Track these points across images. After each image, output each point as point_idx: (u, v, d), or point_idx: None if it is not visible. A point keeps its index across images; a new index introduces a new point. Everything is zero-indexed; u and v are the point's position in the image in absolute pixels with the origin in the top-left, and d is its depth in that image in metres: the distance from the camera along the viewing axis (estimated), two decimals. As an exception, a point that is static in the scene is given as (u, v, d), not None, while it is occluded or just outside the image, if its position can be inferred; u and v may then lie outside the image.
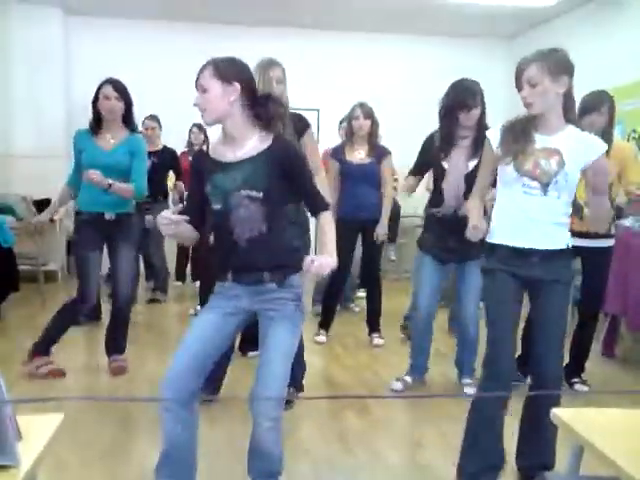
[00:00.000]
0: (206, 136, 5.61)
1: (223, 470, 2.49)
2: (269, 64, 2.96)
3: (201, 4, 6.40)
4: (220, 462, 2.55)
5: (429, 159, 3.40)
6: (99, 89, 3.50)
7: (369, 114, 4.25)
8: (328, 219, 2.11)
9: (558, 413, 1.76)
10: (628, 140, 5.45)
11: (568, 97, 2.24)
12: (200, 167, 2.10)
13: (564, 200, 2.26)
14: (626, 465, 1.41)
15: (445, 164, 3.29)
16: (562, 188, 2.22)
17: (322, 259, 1.96)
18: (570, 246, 2.31)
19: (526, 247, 2.26)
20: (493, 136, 2.34)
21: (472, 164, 3.18)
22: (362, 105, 4.27)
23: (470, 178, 2.96)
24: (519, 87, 2.27)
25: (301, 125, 3.09)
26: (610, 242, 3.47)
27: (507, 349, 2.29)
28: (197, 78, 1.98)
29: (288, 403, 3.10)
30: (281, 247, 2.06)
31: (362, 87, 7.03)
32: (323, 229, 2.10)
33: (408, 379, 3.50)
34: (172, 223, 1.92)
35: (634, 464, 1.41)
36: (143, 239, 5.09)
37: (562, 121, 2.25)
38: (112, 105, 3.47)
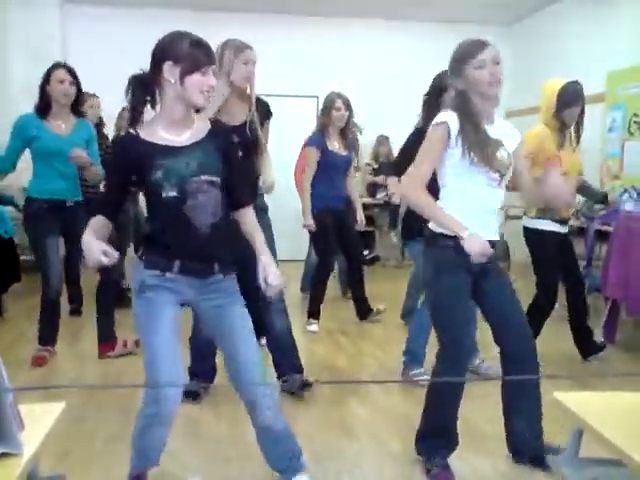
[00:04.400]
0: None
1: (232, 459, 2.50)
2: (243, 46, 2.89)
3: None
4: (227, 450, 2.56)
5: None
6: (50, 72, 3.42)
7: (348, 105, 4.26)
8: (253, 216, 2.09)
9: (558, 396, 1.76)
10: (629, 125, 5.42)
11: None
12: (133, 153, 1.91)
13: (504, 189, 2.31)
14: (626, 447, 1.42)
15: None
16: (506, 178, 2.26)
17: (270, 274, 1.96)
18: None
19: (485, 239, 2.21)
20: (452, 121, 2.18)
21: None
22: (340, 95, 4.25)
23: None
24: (482, 65, 2.14)
25: (265, 111, 3.08)
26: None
27: (472, 342, 2.32)
28: (213, 62, 1.91)
29: (305, 387, 3.14)
30: (233, 234, 2.03)
31: (361, 74, 7.01)
32: (252, 228, 2.06)
33: (418, 370, 3.41)
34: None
35: (634, 446, 1.41)
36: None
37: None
38: (66, 89, 3.42)
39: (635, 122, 5.31)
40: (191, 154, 1.91)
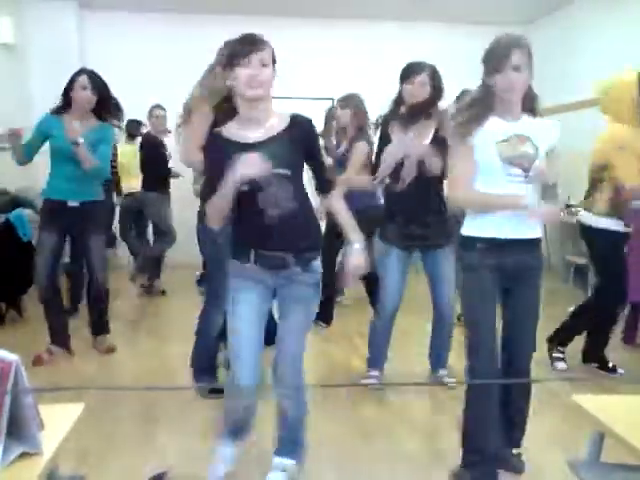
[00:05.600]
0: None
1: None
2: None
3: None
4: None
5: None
6: (74, 79, 3.52)
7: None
8: (339, 198, 2.18)
9: (578, 400, 1.74)
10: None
11: (530, 87, 2.26)
12: (218, 151, 2.04)
13: (536, 186, 2.25)
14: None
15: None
16: (536, 174, 2.21)
17: (351, 263, 2.06)
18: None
19: (510, 238, 2.22)
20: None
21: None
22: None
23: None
24: (498, 70, 2.17)
25: None
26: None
27: (491, 347, 2.29)
28: (253, 51, 1.95)
29: None
30: (309, 226, 2.12)
31: (377, 75, 6.99)
32: (338, 210, 2.15)
33: (375, 373, 3.38)
34: None
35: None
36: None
37: (519, 109, 2.26)
38: (88, 96, 3.51)
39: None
40: (265, 149, 1.99)
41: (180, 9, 6.81)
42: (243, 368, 2.10)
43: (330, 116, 4.87)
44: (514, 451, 2.44)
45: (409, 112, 3.14)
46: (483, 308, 2.29)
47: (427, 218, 3.15)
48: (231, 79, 1.98)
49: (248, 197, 1.98)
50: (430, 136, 3.10)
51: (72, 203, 3.60)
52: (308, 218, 2.11)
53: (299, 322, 2.16)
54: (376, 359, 3.40)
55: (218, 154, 2.02)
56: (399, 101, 3.21)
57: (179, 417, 2.91)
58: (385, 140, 3.23)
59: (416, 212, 3.15)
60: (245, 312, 2.11)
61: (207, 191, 2.19)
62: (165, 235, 5.62)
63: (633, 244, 3.75)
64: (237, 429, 2.23)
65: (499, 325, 2.35)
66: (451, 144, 2.34)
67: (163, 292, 5.71)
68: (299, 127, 2.06)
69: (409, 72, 3.14)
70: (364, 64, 7.09)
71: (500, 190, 2.22)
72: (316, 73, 6.99)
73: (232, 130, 2.05)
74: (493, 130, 2.22)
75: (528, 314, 2.34)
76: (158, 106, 5.59)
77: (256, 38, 1.98)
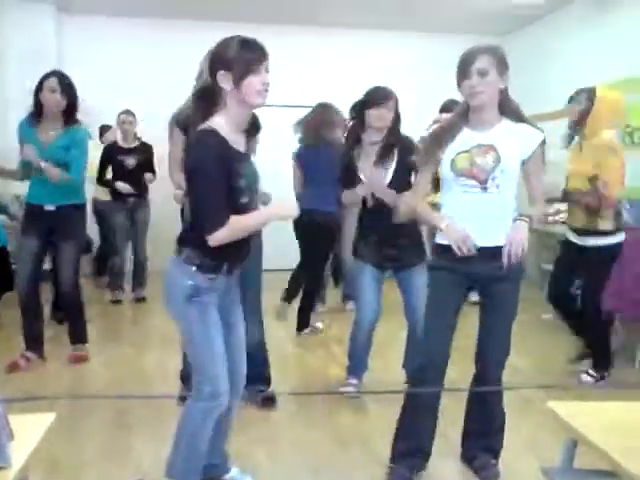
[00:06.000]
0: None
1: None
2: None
3: (199, 1, 6.37)
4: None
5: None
6: (43, 81, 3.46)
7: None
8: None
9: (552, 406, 1.75)
10: (624, 137, 5.44)
11: (506, 92, 2.27)
12: (226, 156, 1.90)
13: (506, 196, 2.25)
14: (621, 458, 1.41)
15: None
16: (501, 183, 2.22)
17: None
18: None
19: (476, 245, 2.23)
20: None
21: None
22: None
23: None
24: (464, 77, 2.20)
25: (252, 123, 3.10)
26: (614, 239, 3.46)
27: (442, 340, 2.32)
28: (265, 58, 1.92)
29: (271, 400, 3.13)
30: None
31: (365, 83, 7.02)
32: None
33: (354, 381, 3.38)
34: None
35: (629, 458, 1.40)
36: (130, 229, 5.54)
37: (497, 116, 2.27)
38: (56, 99, 3.44)
39: (627, 132, 5.33)
40: (250, 161, 2.02)
41: (161, 14, 6.76)
42: (223, 378, 2.03)
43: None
44: (492, 461, 2.46)
45: (383, 147, 3.09)
46: (436, 311, 2.34)
47: (399, 239, 3.12)
48: (230, 84, 1.89)
49: (244, 211, 1.95)
50: (394, 164, 3.09)
51: (48, 207, 3.57)
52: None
53: (239, 315, 2.21)
54: (356, 367, 3.40)
55: (230, 163, 1.90)
56: (359, 126, 3.15)
57: (153, 425, 2.87)
58: (349, 163, 3.19)
59: (389, 233, 3.11)
60: (219, 333, 2.04)
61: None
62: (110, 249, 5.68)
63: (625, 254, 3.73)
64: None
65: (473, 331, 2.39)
66: (418, 166, 2.47)
67: (143, 299, 5.65)
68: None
69: (376, 97, 3.09)
70: (346, 72, 7.11)
71: (456, 200, 2.28)
72: (297, 81, 7.00)
73: (231, 138, 1.94)
74: (460, 142, 2.27)
75: (498, 321, 2.36)
76: (127, 112, 5.47)
77: (259, 47, 1.93)
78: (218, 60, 1.90)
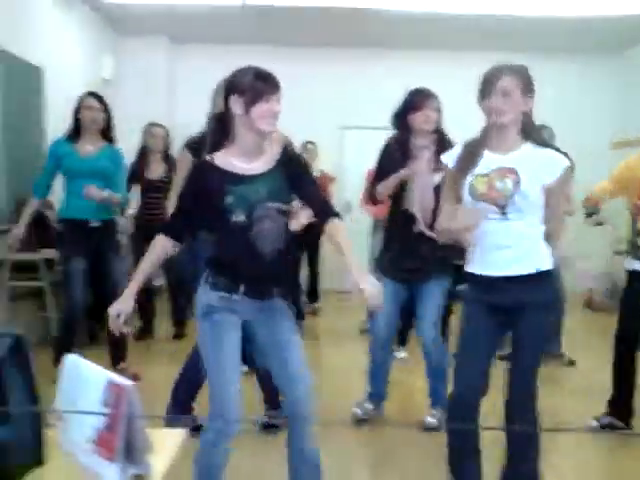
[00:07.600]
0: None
1: None
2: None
3: (294, 29, 6.57)
4: None
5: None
6: (81, 100, 3.64)
7: None
8: (342, 227, 2.10)
9: None
10: None
11: (529, 116, 2.17)
12: (207, 179, 2.03)
13: (529, 221, 2.14)
14: None
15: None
16: (523, 209, 2.11)
17: (367, 291, 1.89)
18: (542, 269, 2.15)
19: (494, 275, 2.15)
20: (448, 158, 2.29)
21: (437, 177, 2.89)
22: None
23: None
24: (487, 96, 2.12)
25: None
26: None
27: (473, 373, 2.21)
28: (278, 90, 2.02)
29: (274, 427, 3.08)
30: (290, 259, 2.15)
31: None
32: (339, 240, 2.04)
33: (368, 406, 3.30)
34: None
35: None
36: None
37: (518, 139, 2.17)
38: (94, 115, 3.61)
39: None
40: (262, 182, 2.03)
41: (264, 41, 6.99)
42: (230, 403, 2.05)
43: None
44: None
45: (435, 152, 2.91)
46: (466, 342, 2.28)
47: (422, 252, 3.01)
48: (241, 109, 1.98)
49: (241, 230, 2.00)
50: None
51: (94, 222, 3.66)
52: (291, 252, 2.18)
53: (292, 340, 2.16)
54: (375, 393, 3.31)
55: (211, 184, 2.01)
56: (406, 129, 3.04)
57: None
58: (391, 161, 3.09)
59: (413, 246, 3.03)
60: (231, 351, 2.07)
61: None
62: None
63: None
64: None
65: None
66: (442, 193, 2.37)
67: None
68: (289, 160, 2.10)
69: (418, 99, 2.98)
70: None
71: (478, 227, 2.17)
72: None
73: (226, 160, 2.05)
74: (481, 165, 2.17)
75: (521, 356, 2.22)
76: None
77: (272, 78, 2.02)
78: (232, 86, 2.02)
